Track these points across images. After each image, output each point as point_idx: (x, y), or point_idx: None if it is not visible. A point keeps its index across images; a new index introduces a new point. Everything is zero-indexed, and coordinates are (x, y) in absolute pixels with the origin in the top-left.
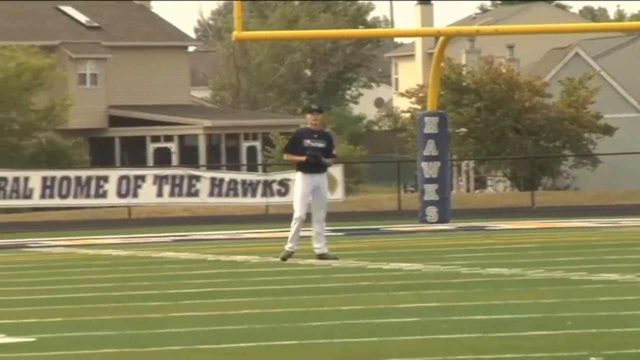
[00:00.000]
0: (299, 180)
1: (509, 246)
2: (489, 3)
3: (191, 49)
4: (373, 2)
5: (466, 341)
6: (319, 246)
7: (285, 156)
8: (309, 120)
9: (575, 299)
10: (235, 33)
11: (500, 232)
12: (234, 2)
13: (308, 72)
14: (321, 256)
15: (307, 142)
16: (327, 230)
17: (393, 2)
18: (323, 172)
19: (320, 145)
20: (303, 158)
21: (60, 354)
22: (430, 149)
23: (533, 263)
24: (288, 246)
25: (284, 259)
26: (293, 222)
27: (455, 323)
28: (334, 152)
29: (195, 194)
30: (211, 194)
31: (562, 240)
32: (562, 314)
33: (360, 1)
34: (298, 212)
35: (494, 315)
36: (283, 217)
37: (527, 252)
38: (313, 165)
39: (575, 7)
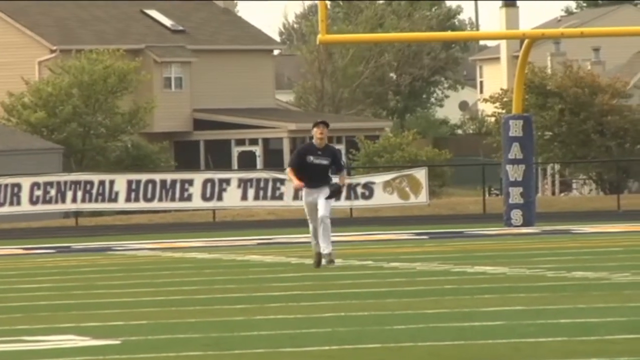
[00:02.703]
0: (303, 195)
1: (594, 249)
2: (574, 5)
3: (276, 52)
4: (457, 2)
5: (552, 345)
6: (323, 246)
7: (288, 171)
8: (314, 134)
9: None
10: (319, 36)
11: (585, 236)
12: (318, 2)
13: (393, 76)
14: (328, 257)
15: (311, 158)
16: (411, 233)
17: (478, 4)
18: (323, 187)
19: (325, 162)
20: (301, 184)
21: (146, 356)
22: (515, 152)
23: (619, 266)
24: (319, 250)
25: (317, 264)
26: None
27: (540, 327)
28: (343, 164)
29: (280, 197)
30: (296, 197)
31: None
32: None
33: (449, 1)
34: (310, 223)
35: (579, 319)
36: (367, 221)
37: (612, 256)
38: (314, 182)
39: None
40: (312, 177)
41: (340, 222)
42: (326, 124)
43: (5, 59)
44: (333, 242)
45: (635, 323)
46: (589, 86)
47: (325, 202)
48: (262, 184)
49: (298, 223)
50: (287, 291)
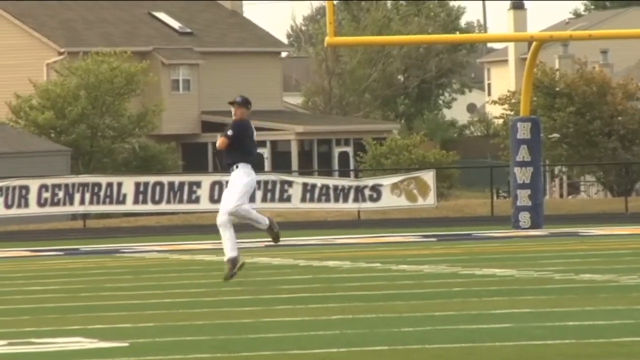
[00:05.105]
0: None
1: (602, 252)
2: (582, 8)
3: (284, 54)
4: (463, 3)
5: (560, 347)
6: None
7: None
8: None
9: None
10: (327, 38)
11: (593, 238)
12: (326, 3)
13: (401, 78)
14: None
15: None
16: (418, 236)
17: (486, 6)
18: (231, 171)
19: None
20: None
21: (153, 358)
22: (523, 154)
23: (627, 269)
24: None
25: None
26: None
27: (548, 329)
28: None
29: (288, 199)
30: (303, 200)
31: None
32: None
33: (452, 2)
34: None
35: (587, 322)
36: (375, 223)
37: (620, 258)
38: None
39: None
40: None
41: (348, 224)
42: (235, 102)
43: (13, 61)
44: (340, 244)
45: None
46: (599, 86)
47: (226, 200)
48: (269, 186)
49: (306, 225)
50: (295, 293)
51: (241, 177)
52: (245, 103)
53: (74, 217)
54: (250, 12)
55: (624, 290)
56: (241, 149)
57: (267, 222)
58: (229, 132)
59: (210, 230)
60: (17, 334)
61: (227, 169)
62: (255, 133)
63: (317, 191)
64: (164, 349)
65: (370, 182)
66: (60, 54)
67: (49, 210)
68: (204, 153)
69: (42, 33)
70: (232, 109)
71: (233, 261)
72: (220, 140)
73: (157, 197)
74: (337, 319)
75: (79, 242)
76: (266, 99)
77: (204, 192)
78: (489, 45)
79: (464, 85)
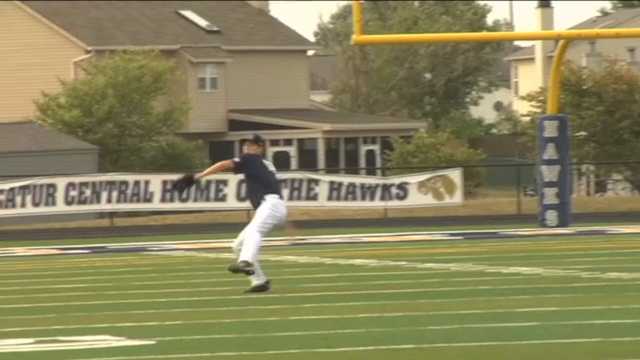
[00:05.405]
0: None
1: (629, 250)
2: (609, 6)
3: (310, 52)
4: (489, 2)
5: (586, 346)
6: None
7: None
8: None
9: None
10: (354, 37)
11: (620, 236)
12: (353, 2)
13: (428, 76)
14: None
15: None
16: (445, 234)
17: (513, 4)
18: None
19: None
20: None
21: (180, 356)
22: (550, 152)
23: None
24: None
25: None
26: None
27: (575, 327)
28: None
29: (314, 197)
30: (330, 198)
31: None
32: None
33: (478, 1)
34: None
35: (614, 320)
36: (401, 221)
37: None
38: None
39: None
40: None
41: (374, 222)
42: (248, 140)
43: (41, 60)
44: (367, 242)
45: None
46: (628, 84)
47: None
48: (296, 184)
49: (332, 223)
50: (321, 292)
51: (264, 207)
52: (256, 140)
53: (101, 215)
54: (277, 10)
55: None
56: (260, 181)
57: (249, 260)
58: (235, 159)
59: (237, 228)
60: (44, 331)
61: (256, 207)
62: (272, 168)
63: (343, 189)
64: (190, 346)
65: (397, 180)
66: (87, 52)
67: (76, 208)
68: (230, 151)
69: (70, 31)
70: (245, 147)
71: (246, 265)
72: (223, 161)
73: (184, 195)
74: (363, 317)
75: (106, 240)
76: (293, 97)
77: (230, 190)
78: (516, 43)
79: (491, 84)
